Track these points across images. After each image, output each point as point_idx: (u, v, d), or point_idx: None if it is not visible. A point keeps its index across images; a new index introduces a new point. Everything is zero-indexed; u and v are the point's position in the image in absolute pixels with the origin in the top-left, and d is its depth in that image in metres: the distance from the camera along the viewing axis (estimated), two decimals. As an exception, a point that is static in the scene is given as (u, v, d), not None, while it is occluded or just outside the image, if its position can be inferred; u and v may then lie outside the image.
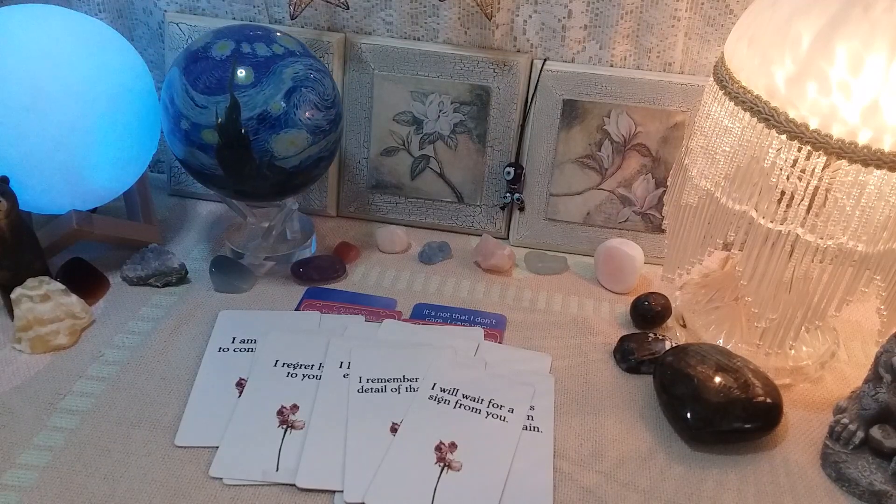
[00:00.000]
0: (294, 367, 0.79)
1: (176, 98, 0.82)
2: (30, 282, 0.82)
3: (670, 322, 0.90)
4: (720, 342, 0.84)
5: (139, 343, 0.83)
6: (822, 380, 0.85)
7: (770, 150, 0.69)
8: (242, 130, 0.80)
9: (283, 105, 0.81)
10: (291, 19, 0.95)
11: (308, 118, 0.83)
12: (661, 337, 0.86)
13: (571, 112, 0.97)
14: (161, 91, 0.86)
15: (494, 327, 0.88)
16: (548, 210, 1.01)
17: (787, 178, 0.69)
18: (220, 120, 0.80)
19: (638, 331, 0.89)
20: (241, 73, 0.80)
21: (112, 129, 0.84)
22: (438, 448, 0.71)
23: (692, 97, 0.94)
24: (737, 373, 0.76)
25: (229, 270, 0.92)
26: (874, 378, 0.74)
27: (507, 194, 1.01)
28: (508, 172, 0.99)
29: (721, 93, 0.74)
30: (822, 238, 0.70)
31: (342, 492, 0.67)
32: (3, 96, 0.78)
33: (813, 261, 0.71)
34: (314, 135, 0.84)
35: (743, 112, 0.71)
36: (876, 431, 0.72)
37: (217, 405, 0.75)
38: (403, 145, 1.02)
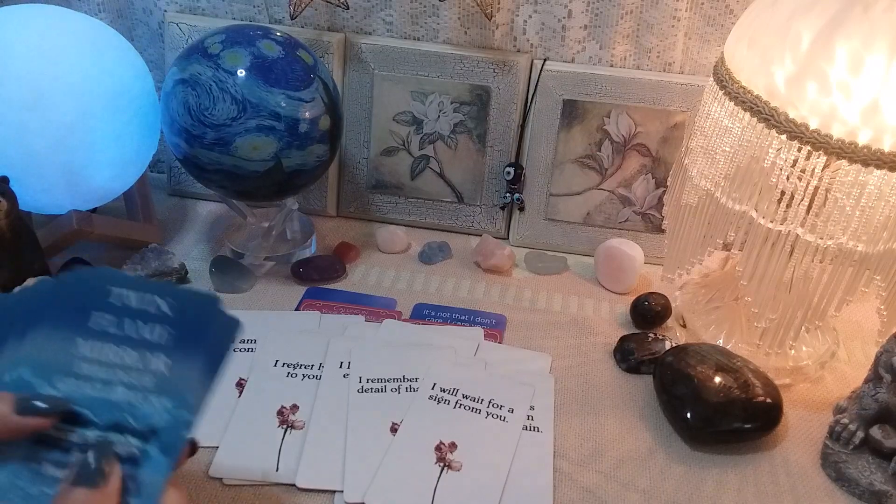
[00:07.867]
0: (294, 367, 0.79)
1: (282, 112, 0.80)
2: (30, 282, 0.82)
3: (670, 322, 0.90)
4: (720, 342, 0.84)
5: (139, 343, 0.83)
6: (822, 380, 0.84)
7: (770, 150, 0.69)
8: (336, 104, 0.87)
9: (327, 69, 0.89)
10: (291, 19, 0.94)
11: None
12: (661, 337, 0.86)
13: (571, 112, 0.97)
14: (240, 132, 0.79)
15: (494, 327, 0.88)
16: (548, 210, 1.01)
17: (787, 178, 0.69)
18: (326, 102, 0.84)
19: (638, 331, 0.89)
20: (304, 55, 0.84)
21: (112, 129, 0.83)
22: (438, 448, 0.71)
23: (692, 97, 0.94)
24: (737, 373, 0.76)
25: (229, 270, 0.92)
26: (874, 378, 0.74)
27: (507, 194, 1.01)
28: (508, 172, 0.99)
29: (721, 93, 0.74)
30: (822, 238, 0.70)
31: (342, 492, 0.67)
32: (4, 96, 0.78)
33: (813, 261, 0.71)
34: None
35: (743, 112, 0.71)
36: (876, 431, 0.72)
37: (217, 405, 0.74)
38: (403, 145, 1.02)
